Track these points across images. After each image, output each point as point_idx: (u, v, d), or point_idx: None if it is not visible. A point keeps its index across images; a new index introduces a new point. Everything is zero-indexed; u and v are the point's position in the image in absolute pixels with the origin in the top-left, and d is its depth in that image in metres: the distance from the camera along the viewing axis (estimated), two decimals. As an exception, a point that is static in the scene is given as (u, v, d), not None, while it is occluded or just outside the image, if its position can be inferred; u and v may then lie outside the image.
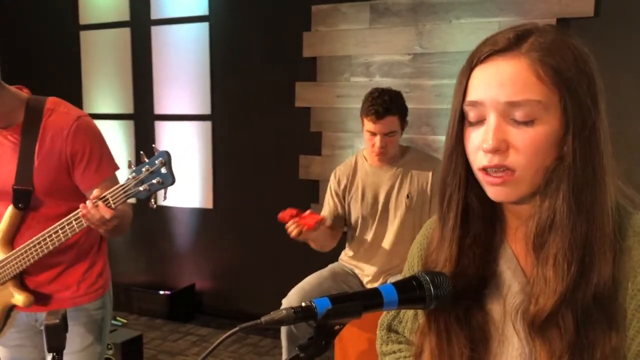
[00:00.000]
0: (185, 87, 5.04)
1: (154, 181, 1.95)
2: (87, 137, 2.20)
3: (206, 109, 4.99)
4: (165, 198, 1.98)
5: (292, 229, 3.04)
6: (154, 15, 5.10)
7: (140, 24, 5.15)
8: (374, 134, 3.12)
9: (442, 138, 4.00)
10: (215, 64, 4.90)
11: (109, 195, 1.99)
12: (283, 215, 3.10)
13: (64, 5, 5.39)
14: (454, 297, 1.09)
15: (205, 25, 4.88)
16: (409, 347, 1.37)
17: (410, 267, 1.33)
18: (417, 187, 3.18)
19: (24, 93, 2.24)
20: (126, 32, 5.21)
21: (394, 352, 1.39)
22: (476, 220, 1.12)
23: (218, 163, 5.00)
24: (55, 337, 1.86)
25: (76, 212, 2.05)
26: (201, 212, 5.14)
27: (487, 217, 1.13)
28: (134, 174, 1.96)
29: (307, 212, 3.10)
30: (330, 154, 4.50)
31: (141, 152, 1.97)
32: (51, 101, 2.23)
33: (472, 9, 3.93)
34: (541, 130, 0.99)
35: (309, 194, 4.55)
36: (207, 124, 5.00)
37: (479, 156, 1.04)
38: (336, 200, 3.36)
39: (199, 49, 4.92)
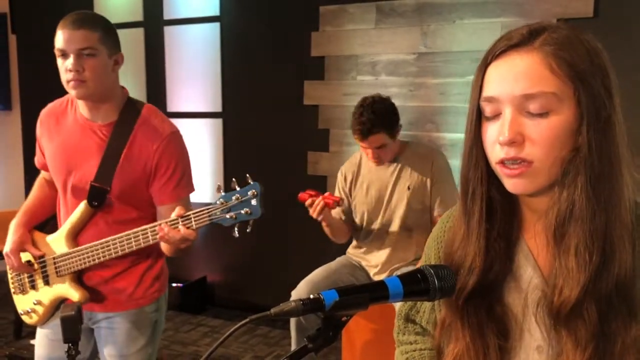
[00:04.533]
0: (197, 85, 5.08)
1: (242, 211, 1.93)
2: (176, 154, 2.18)
3: (217, 107, 5.02)
4: (249, 229, 1.95)
5: (315, 204, 3.13)
6: (167, 16, 5.13)
7: (153, 24, 5.18)
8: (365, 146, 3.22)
9: (446, 135, 4.12)
10: (226, 63, 4.93)
11: (192, 215, 1.96)
12: (303, 195, 3.19)
13: (80, 7, 5.40)
14: (485, 291, 1.13)
15: (216, 26, 4.91)
16: (425, 339, 1.38)
17: (427, 260, 1.33)
18: (417, 180, 3.24)
19: (125, 92, 2.25)
20: (140, 32, 5.24)
21: (411, 343, 1.41)
22: (499, 213, 1.13)
23: (229, 159, 5.02)
24: (71, 329, 1.90)
25: (153, 224, 2.03)
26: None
27: (508, 211, 1.14)
28: (222, 199, 1.94)
29: (326, 193, 3.20)
30: (337, 150, 4.55)
31: (233, 179, 1.95)
32: (148, 108, 2.24)
33: (475, 9, 3.97)
34: (556, 121, 1.00)
35: (317, 190, 4.51)
36: (219, 122, 5.03)
37: (496, 149, 1.04)
38: (343, 195, 3.43)
39: (211, 49, 4.95)
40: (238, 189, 1.94)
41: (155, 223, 2.03)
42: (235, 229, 1.96)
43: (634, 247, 1.03)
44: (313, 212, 3.15)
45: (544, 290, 1.09)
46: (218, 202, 1.94)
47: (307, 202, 3.16)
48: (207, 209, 1.95)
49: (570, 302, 1.02)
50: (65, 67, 2.07)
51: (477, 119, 1.09)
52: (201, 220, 1.96)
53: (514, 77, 1.02)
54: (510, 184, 1.05)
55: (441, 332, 1.22)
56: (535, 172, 1.02)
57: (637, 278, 1.03)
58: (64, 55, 2.07)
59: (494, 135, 1.04)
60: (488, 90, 1.05)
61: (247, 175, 1.96)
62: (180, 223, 1.96)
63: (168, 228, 1.96)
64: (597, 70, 1.01)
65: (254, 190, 1.93)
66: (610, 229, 1.01)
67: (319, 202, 3.13)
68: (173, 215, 1.98)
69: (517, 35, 1.04)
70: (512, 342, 1.15)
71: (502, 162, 1.04)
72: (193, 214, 1.96)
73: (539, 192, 1.07)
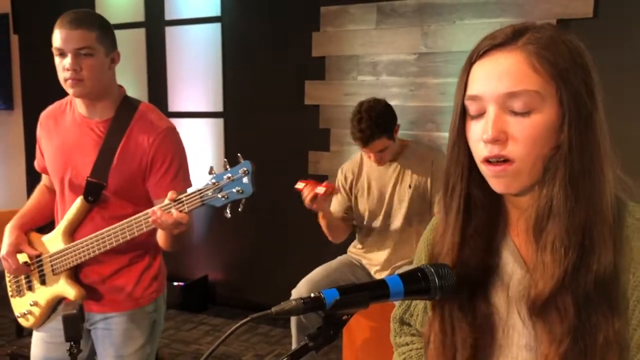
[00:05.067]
0: (198, 85, 5.09)
1: (234, 190, 1.88)
2: (172, 148, 2.18)
3: (218, 107, 5.04)
4: (240, 208, 1.92)
5: (305, 194, 3.15)
6: (168, 16, 5.14)
7: (154, 25, 5.20)
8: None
9: (446, 134, 4.09)
10: (227, 63, 4.95)
11: (184, 198, 1.93)
12: (299, 185, 3.21)
13: (81, 7, 5.43)
14: (462, 286, 1.12)
15: (217, 26, 4.93)
16: (421, 339, 1.38)
17: (418, 260, 1.34)
18: (418, 179, 3.26)
19: (122, 91, 2.25)
20: (141, 32, 5.26)
21: (407, 344, 1.41)
22: (478, 210, 1.13)
23: (230, 158, 5.02)
24: (73, 327, 1.87)
25: (145, 212, 2.02)
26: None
27: (489, 209, 1.14)
28: (214, 180, 1.91)
29: (324, 183, 3.21)
30: (338, 150, 4.57)
31: (225, 159, 1.92)
32: (145, 105, 2.24)
33: (475, 10, 3.99)
34: (538, 120, 1.01)
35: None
36: (220, 121, 5.05)
37: (480, 147, 1.06)
38: (343, 194, 3.45)
39: (212, 49, 4.97)
40: (229, 168, 1.91)
41: (148, 210, 2.01)
42: (227, 209, 1.91)
43: (615, 243, 1.04)
44: (305, 200, 3.18)
45: (525, 285, 1.10)
46: (209, 183, 1.91)
47: (304, 192, 3.18)
48: (199, 190, 1.92)
49: (544, 296, 1.03)
50: (63, 66, 2.08)
51: (462, 117, 1.10)
52: (193, 203, 1.93)
53: (497, 75, 1.03)
54: (495, 184, 1.07)
55: (427, 331, 1.23)
56: (517, 170, 1.04)
57: (621, 273, 1.04)
58: (62, 54, 2.08)
59: (478, 134, 1.06)
60: (472, 89, 1.07)
61: (239, 154, 1.91)
62: (173, 207, 1.94)
63: (161, 212, 1.94)
64: (578, 70, 1.02)
65: (245, 168, 1.88)
66: (590, 226, 1.02)
67: (309, 192, 3.15)
68: (166, 200, 1.96)
69: (501, 35, 1.05)
70: (499, 339, 1.15)
71: (486, 161, 1.05)
72: (185, 196, 1.94)
73: (522, 192, 1.08)
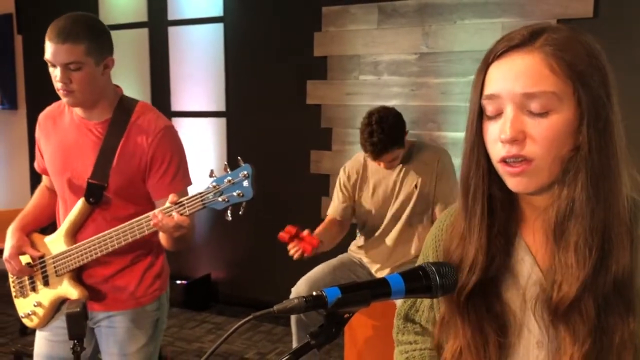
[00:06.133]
0: (201, 85, 5.11)
1: (234, 193, 1.90)
2: (171, 147, 2.17)
3: (221, 106, 5.06)
4: (241, 211, 1.93)
5: (293, 252, 3.10)
6: (171, 16, 5.17)
7: (157, 25, 5.22)
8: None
9: (447, 134, 4.16)
10: (229, 63, 4.97)
11: (185, 201, 1.94)
12: (283, 235, 3.13)
13: (85, 8, 5.41)
14: (485, 288, 1.13)
15: (220, 26, 4.95)
16: (425, 338, 1.38)
17: (425, 258, 1.32)
18: (423, 179, 3.25)
19: (119, 91, 2.24)
20: (144, 32, 5.28)
21: (410, 343, 1.40)
22: (500, 211, 1.13)
23: (232, 158, 5.02)
24: (77, 325, 1.91)
25: (147, 214, 2.02)
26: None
27: (508, 208, 1.14)
28: (214, 183, 1.92)
29: (305, 232, 3.12)
30: (340, 149, 4.58)
31: (225, 163, 1.93)
32: (142, 104, 2.23)
33: (476, 10, 4.01)
34: (556, 120, 1.01)
35: (320, 188, 4.64)
36: (222, 121, 5.07)
37: (497, 147, 1.05)
38: (345, 193, 3.43)
39: (214, 49, 4.99)
40: (230, 172, 1.92)
41: (149, 213, 2.01)
42: (228, 212, 1.93)
43: (632, 244, 1.04)
44: (293, 257, 3.12)
45: (542, 285, 1.10)
46: (210, 187, 1.92)
47: (289, 247, 3.13)
48: (200, 194, 1.93)
49: (569, 298, 1.03)
50: (54, 76, 2.08)
51: (479, 118, 1.10)
52: (194, 206, 1.94)
53: (514, 75, 1.03)
54: (513, 183, 1.07)
55: (440, 328, 1.23)
56: (536, 170, 1.04)
57: (636, 273, 1.05)
58: (53, 65, 2.08)
59: (496, 134, 1.05)
60: (489, 89, 1.06)
61: (239, 157, 1.93)
62: (174, 210, 1.95)
63: (162, 215, 1.94)
64: (596, 71, 1.02)
65: (245, 172, 1.89)
66: (609, 227, 1.03)
67: (298, 249, 3.08)
68: (167, 203, 1.97)
69: (518, 36, 1.05)
70: (511, 338, 1.15)
71: (503, 161, 1.05)
72: (186, 200, 1.95)
73: (539, 191, 1.08)
